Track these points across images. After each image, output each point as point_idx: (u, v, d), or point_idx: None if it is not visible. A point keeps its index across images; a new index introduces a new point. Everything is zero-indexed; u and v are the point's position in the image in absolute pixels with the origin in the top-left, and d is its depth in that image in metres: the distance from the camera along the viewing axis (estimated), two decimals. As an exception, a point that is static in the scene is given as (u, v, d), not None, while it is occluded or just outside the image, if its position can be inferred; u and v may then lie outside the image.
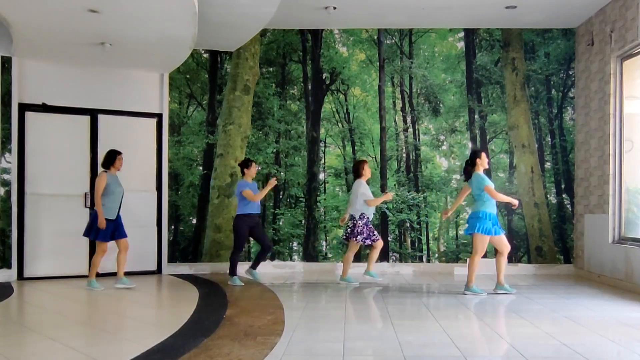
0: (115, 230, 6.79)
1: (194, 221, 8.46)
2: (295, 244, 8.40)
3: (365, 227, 7.09)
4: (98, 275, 6.96)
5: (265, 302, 5.94)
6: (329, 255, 8.51)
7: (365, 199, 7.10)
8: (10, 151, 7.42)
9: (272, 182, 7.05)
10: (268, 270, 8.23)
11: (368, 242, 7.10)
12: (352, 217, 7.17)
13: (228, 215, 8.44)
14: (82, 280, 7.56)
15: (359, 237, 7.05)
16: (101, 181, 6.69)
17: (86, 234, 6.84)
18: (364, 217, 7.10)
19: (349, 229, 7.15)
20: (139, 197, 7.98)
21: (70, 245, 7.69)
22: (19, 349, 4.13)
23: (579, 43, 8.28)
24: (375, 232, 7.20)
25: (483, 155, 6.45)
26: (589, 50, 7.90)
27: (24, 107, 7.51)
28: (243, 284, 6.98)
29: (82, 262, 7.76)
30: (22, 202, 7.46)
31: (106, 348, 4.22)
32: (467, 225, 6.55)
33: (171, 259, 8.31)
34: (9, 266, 7.36)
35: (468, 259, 6.59)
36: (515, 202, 6.38)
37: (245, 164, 7.17)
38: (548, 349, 4.13)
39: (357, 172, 7.29)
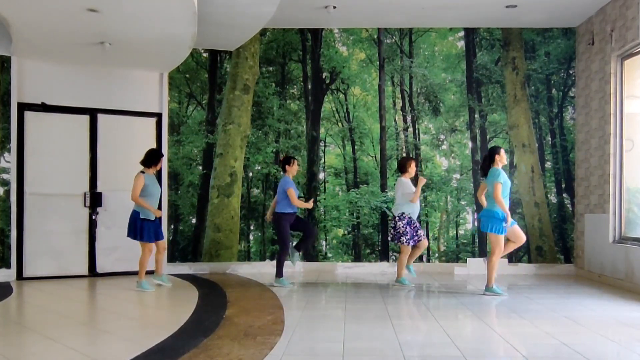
0: (156, 230, 6.71)
1: (194, 221, 8.45)
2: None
3: (408, 227, 6.86)
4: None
5: (265, 302, 5.94)
6: (329, 255, 8.50)
7: (409, 198, 6.88)
8: (9, 151, 7.41)
9: (310, 204, 7.02)
10: (268, 270, 8.22)
11: (412, 242, 6.88)
12: (393, 217, 7.01)
13: (228, 215, 8.43)
14: (81, 280, 7.57)
15: (402, 238, 6.84)
16: (139, 182, 6.53)
17: (131, 235, 6.62)
18: (404, 217, 6.88)
19: (392, 230, 6.97)
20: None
21: (70, 245, 7.69)
22: (19, 349, 4.12)
23: (579, 42, 8.27)
24: (421, 232, 6.96)
25: (502, 151, 6.34)
26: (589, 50, 7.89)
27: (23, 107, 7.49)
28: (292, 285, 6.94)
29: (81, 262, 7.75)
30: (21, 202, 7.44)
31: (106, 348, 4.22)
32: (480, 221, 6.41)
33: (171, 259, 8.30)
34: (8, 266, 7.35)
35: (484, 259, 6.51)
36: (508, 222, 6.15)
37: (287, 161, 7.03)
38: (548, 349, 4.12)
39: (402, 169, 7.05)
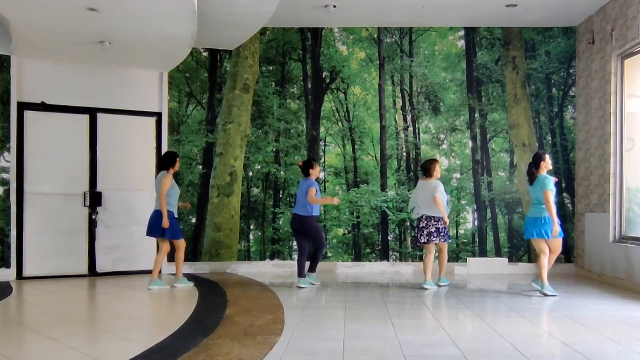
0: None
1: (194, 220, 8.44)
2: (294, 243, 8.37)
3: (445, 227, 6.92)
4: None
5: (264, 301, 5.93)
6: (329, 254, 8.49)
7: (445, 201, 6.84)
8: (9, 150, 7.40)
9: (336, 201, 7.03)
10: (267, 269, 8.22)
11: (444, 241, 6.90)
12: (431, 218, 6.81)
13: (228, 215, 8.42)
14: (81, 279, 7.56)
15: (446, 237, 6.84)
16: (168, 181, 6.72)
17: (154, 233, 6.78)
18: (441, 218, 6.84)
19: (434, 230, 6.81)
20: (138, 196, 7.98)
21: (70, 245, 7.68)
22: (19, 349, 4.12)
23: (579, 41, 8.27)
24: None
25: (547, 157, 6.35)
26: (589, 49, 7.88)
27: (22, 106, 7.48)
28: (319, 283, 6.98)
29: (81, 261, 7.75)
30: (21, 201, 7.44)
31: (106, 347, 4.21)
32: (527, 229, 6.41)
33: (171, 258, 8.25)
34: (8, 265, 7.34)
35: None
36: (557, 229, 6.16)
37: (310, 165, 6.95)
38: (548, 348, 4.12)
39: (427, 172, 6.95)
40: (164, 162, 6.90)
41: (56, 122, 7.68)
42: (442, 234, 6.83)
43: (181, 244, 6.89)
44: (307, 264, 6.98)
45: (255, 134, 8.54)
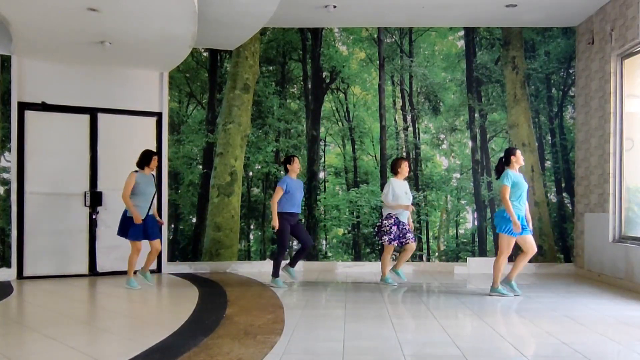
0: (145, 230, 6.73)
1: (194, 220, 8.45)
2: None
3: (394, 227, 6.85)
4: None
5: (265, 301, 5.94)
6: (329, 254, 8.50)
7: (384, 199, 6.95)
8: (9, 150, 7.41)
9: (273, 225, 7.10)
10: (268, 269, 8.21)
11: (395, 243, 6.86)
12: (380, 216, 7.09)
13: (228, 214, 8.43)
14: (81, 279, 7.57)
15: (385, 237, 6.84)
16: (130, 181, 6.64)
17: (119, 233, 6.79)
18: (390, 216, 6.89)
19: (377, 228, 7.04)
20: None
21: (70, 244, 7.69)
22: (19, 348, 4.12)
23: (579, 42, 8.27)
24: (409, 234, 6.88)
25: (518, 152, 6.26)
26: (589, 49, 7.89)
27: (23, 106, 7.49)
28: (287, 287, 6.83)
29: (81, 261, 7.75)
30: (21, 201, 7.44)
31: (106, 347, 4.22)
32: (493, 221, 6.57)
33: (171, 258, 8.30)
34: (9, 265, 7.35)
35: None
36: (517, 225, 5.99)
37: (287, 161, 7.03)
38: (548, 348, 4.13)
39: (392, 169, 7.13)
40: (139, 160, 6.83)
41: (57, 122, 7.68)
42: (380, 232, 6.95)
43: (138, 247, 6.74)
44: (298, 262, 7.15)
45: (256, 134, 8.55)
